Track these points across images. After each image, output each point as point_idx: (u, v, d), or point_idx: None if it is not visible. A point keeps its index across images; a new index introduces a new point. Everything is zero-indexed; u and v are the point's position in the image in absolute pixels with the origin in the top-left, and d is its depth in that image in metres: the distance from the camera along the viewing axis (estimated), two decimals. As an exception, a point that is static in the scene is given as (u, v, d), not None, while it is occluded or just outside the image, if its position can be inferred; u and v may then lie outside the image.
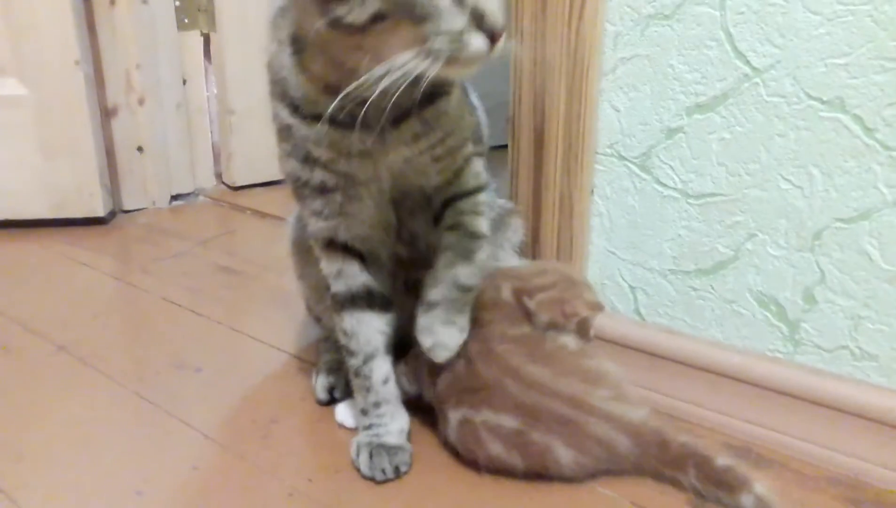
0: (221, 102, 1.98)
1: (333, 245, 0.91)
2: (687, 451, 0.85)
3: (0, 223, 1.73)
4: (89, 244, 1.66)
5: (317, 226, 0.89)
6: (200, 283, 1.47)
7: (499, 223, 1.06)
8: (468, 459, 0.90)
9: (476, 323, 0.93)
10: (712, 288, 0.98)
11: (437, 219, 0.91)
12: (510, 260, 1.06)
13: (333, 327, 0.97)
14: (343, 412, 1.01)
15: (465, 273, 0.89)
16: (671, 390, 1.01)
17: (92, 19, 1.73)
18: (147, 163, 1.86)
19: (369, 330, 0.93)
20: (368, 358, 0.93)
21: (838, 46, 0.82)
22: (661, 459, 0.86)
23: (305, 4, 0.72)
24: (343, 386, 1.03)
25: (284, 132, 0.84)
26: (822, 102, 0.85)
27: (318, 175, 0.83)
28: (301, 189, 0.87)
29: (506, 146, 1.11)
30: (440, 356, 0.89)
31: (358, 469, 0.90)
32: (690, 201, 0.97)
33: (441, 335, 0.89)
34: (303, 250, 1.02)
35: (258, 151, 1.97)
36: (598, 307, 0.97)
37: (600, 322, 0.98)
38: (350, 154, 0.81)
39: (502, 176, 1.13)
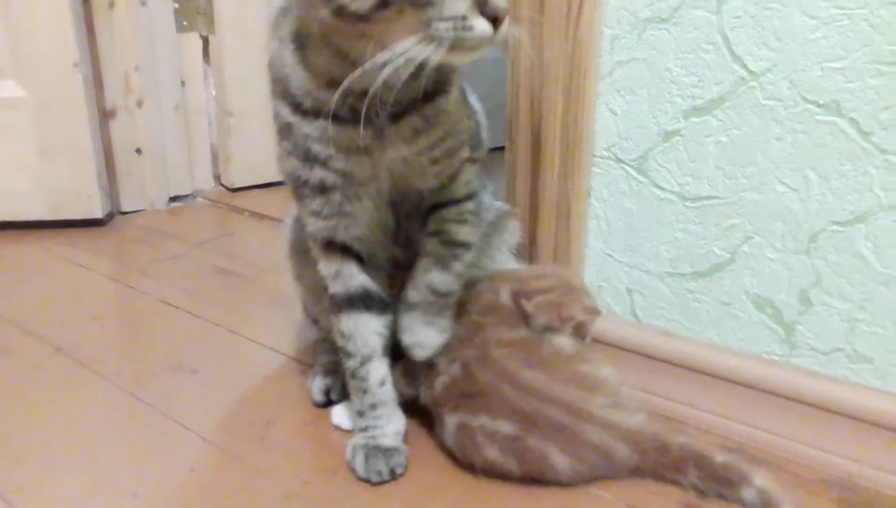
0: (220, 104, 1.98)
1: (332, 246, 0.91)
2: (686, 453, 0.85)
3: (-2, 225, 1.73)
4: (87, 246, 1.66)
5: (316, 226, 0.89)
6: (198, 285, 1.47)
7: (495, 226, 1.06)
8: (465, 463, 0.90)
9: (473, 327, 0.93)
10: (709, 291, 0.99)
11: (423, 224, 0.91)
12: (507, 262, 1.06)
13: (330, 328, 0.97)
14: (339, 414, 1.01)
15: (440, 281, 0.90)
16: (668, 392, 1.02)
17: (91, 21, 1.73)
18: (145, 165, 1.87)
19: (367, 332, 0.93)
20: (365, 360, 0.93)
21: (834, 50, 0.83)
22: (660, 463, 0.86)
23: None
24: (340, 388, 1.03)
25: (285, 131, 0.84)
26: (819, 106, 0.85)
27: (318, 173, 0.84)
28: (300, 189, 0.87)
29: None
30: (419, 354, 0.91)
31: (354, 471, 0.90)
32: (687, 203, 0.97)
33: (420, 334, 0.91)
34: (300, 252, 1.02)
35: (256, 153, 1.98)
36: (594, 312, 0.98)
37: (597, 325, 0.99)
38: (350, 150, 0.81)
39: (501, 178, 1.13)
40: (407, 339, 0.92)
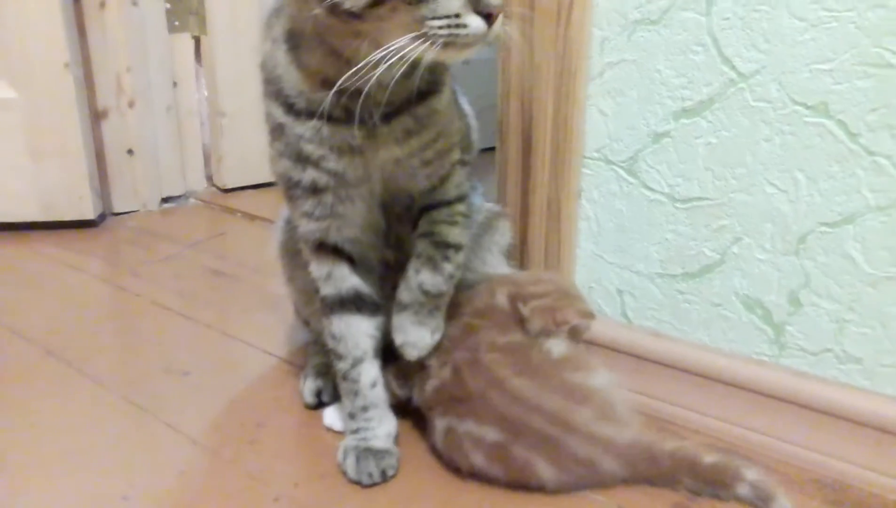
0: (212, 104, 1.98)
1: (324, 247, 0.91)
2: (676, 461, 0.85)
3: (-11, 226, 1.72)
4: (79, 247, 1.66)
5: (307, 228, 0.89)
6: (190, 286, 1.47)
7: (486, 227, 1.06)
8: (452, 467, 0.90)
9: (466, 329, 0.93)
10: (699, 292, 0.99)
11: (414, 225, 0.92)
12: (498, 264, 1.06)
13: (322, 330, 0.97)
14: (331, 416, 1.01)
15: (431, 282, 0.90)
16: (658, 393, 1.02)
17: (82, 22, 1.72)
18: (137, 165, 1.86)
19: (358, 334, 0.93)
20: (357, 362, 0.93)
21: (823, 52, 0.83)
22: (651, 473, 0.86)
23: None
24: (331, 390, 1.03)
25: (277, 131, 0.84)
26: (807, 108, 0.85)
27: (310, 174, 0.84)
28: (292, 189, 0.87)
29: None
30: (410, 354, 0.92)
31: (345, 473, 0.90)
32: (677, 204, 0.98)
33: (411, 334, 0.91)
34: (291, 254, 1.02)
35: (249, 154, 1.97)
36: (589, 316, 0.98)
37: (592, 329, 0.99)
38: (342, 151, 0.81)
39: (492, 179, 1.13)
40: (399, 339, 0.92)
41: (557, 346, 0.92)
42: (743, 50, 0.88)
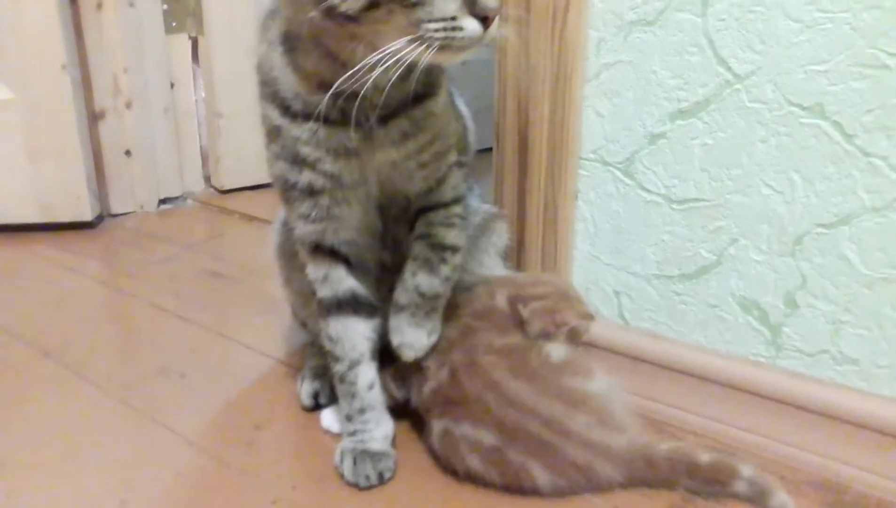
0: (209, 105, 1.98)
1: (320, 250, 0.91)
2: (673, 463, 0.85)
3: (-14, 227, 1.72)
4: (76, 249, 1.66)
5: (304, 230, 0.89)
6: (188, 287, 1.47)
7: (483, 228, 1.06)
8: (449, 469, 0.90)
9: (465, 331, 0.93)
10: (695, 293, 0.99)
11: (410, 227, 0.91)
12: (495, 265, 1.06)
13: (319, 332, 0.97)
14: (328, 418, 1.01)
15: (427, 284, 0.90)
16: (655, 394, 1.02)
17: (79, 23, 1.72)
18: (135, 166, 1.86)
19: (355, 336, 0.93)
20: (354, 364, 0.93)
21: (818, 53, 0.83)
22: (649, 476, 0.86)
23: None
24: (328, 392, 1.03)
25: (273, 134, 0.84)
26: (803, 109, 0.85)
27: (307, 176, 0.84)
28: (289, 192, 0.87)
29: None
30: (407, 355, 0.92)
31: (342, 476, 0.90)
32: (674, 206, 0.98)
33: (408, 335, 0.92)
34: (288, 256, 1.02)
35: (246, 155, 1.97)
36: (588, 317, 0.98)
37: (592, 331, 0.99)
38: (339, 153, 0.81)
39: (489, 180, 1.13)
40: (396, 340, 0.92)
41: (557, 350, 0.92)
42: (738, 51, 0.88)
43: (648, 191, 0.99)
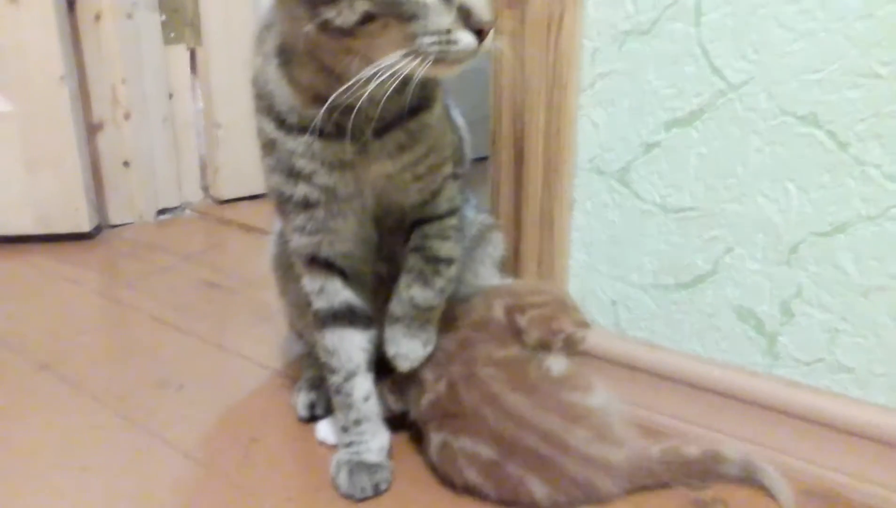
0: (208, 115, 1.98)
1: (316, 262, 0.91)
2: (667, 465, 0.86)
3: (-15, 239, 1.72)
4: (74, 260, 1.66)
5: (300, 242, 0.89)
6: (185, 299, 1.47)
7: (479, 239, 1.06)
8: (447, 482, 0.89)
9: (463, 343, 0.93)
10: (692, 302, 0.99)
11: (406, 238, 0.92)
12: (491, 276, 1.06)
13: (315, 343, 0.97)
14: (324, 430, 1.00)
15: (422, 296, 0.90)
16: (651, 403, 1.02)
17: (77, 34, 1.73)
18: (133, 177, 1.86)
19: (351, 347, 0.93)
20: (350, 376, 0.93)
21: (811, 63, 0.83)
22: (648, 483, 0.86)
23: (294, 10, 0.72)
24: (324, 403, 1.03)
25: (269, 147, 0.84)
26: (797, 118, 0.85)
27: (302, 189, 0.84)
28: (284, 204, 0.87)
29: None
30: (402, 365, 0.92)
31: (338, 487, 0.90)
32: (669, 215, 0.98)
33: (403, 346, 0.92)
34: (284, 267, 1.02)
35: (245, 165, 1.97)
36: (584, 326, 0.98)
37: (588, 340, 0.99)
38: (334, 166, 0.81)
39: (484, 189, 1.13)
40: (391, 350, 0.92)
41: (557, 364, 0.92)
42: (732, 60, 0.88)
43: (644, 200, 0.99)
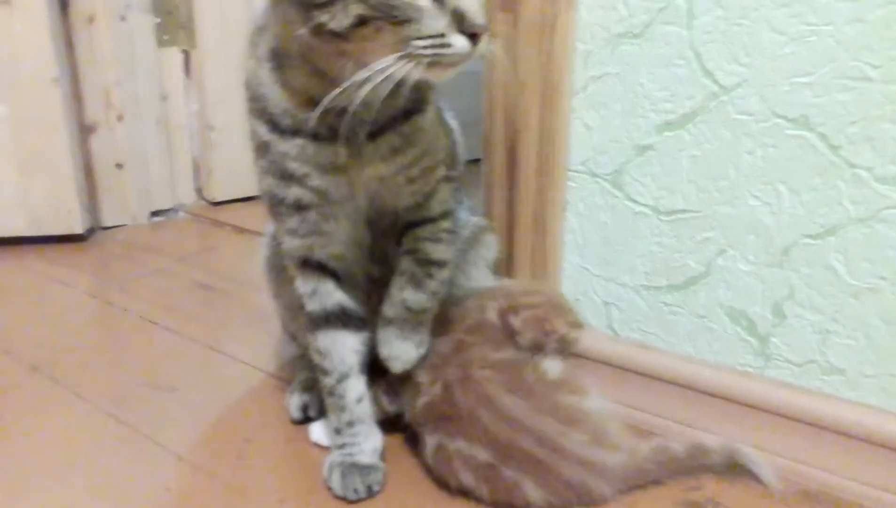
0: (201, 118, 1.98)
1: (308, 264, 0.91)
2: (658, 463, 0.87)
3: (-23, 241, 1.72)
4: (67, 262, 1.65)
5: (292, 244, 0.89)
6: (179, 301, 1.47)
7: (472, 241, 1.06)
8: (442, 484, 0.89)
9: (458, 346, 0.93)
10: (684, 303, 0.99)
11: (399, 241, 0.92)
12: (484, 278, 1.06)
13: (308, 345, 0.97)
14: (318, 432, 1.00)
15: (414, 299, 0.90)
16: (644, 404, 1.02)
17: (70, 36, 1.73)
18: (126, 179, 1.86)
19: (343, 349, 0.93)
20: (342, 377, 0.93)
21: (802, 66, 0.83)
22: (641, 483, 0.87)
23: (288, 14, 0.73)
24: (317, 405, 1.03)
25: (262, 149, 0.84)
26: (788, 120, 0.86)
27: (295, 192, 0.84)
28: (277, 207, 0.87)
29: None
30: (395, 367, 0.92)
31: (331, 489, 0.90)
32: (662, 217, 0.98)
33: (396, 348, 0.92)
34: (277, 269, 1.02)
35: (238, 167, 1.97)
36: (577, 326, 0.98)
37: (582, 341, 1.00)
38: (327, 169, 0.81)
39: (478, 192, 1.14)
40: (384, 352, 0.93)
41: (554, 367, 0.92)
42: (724, 63, 0.89)
43: (636, 202, 1.00)
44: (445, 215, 0.92)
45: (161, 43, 1.90)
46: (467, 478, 0.86)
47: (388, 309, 0.92)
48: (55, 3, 1.66)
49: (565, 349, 0.97)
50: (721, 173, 0.92)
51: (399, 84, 0.69)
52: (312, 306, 0.93)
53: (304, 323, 0.95)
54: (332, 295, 0.92)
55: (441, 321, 0.96)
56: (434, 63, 0.68)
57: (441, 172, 0.90)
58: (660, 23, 0.92)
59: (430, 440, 0.90)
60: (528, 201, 1.07)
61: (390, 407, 0.97)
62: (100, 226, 1.86)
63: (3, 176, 1.68)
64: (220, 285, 1.54)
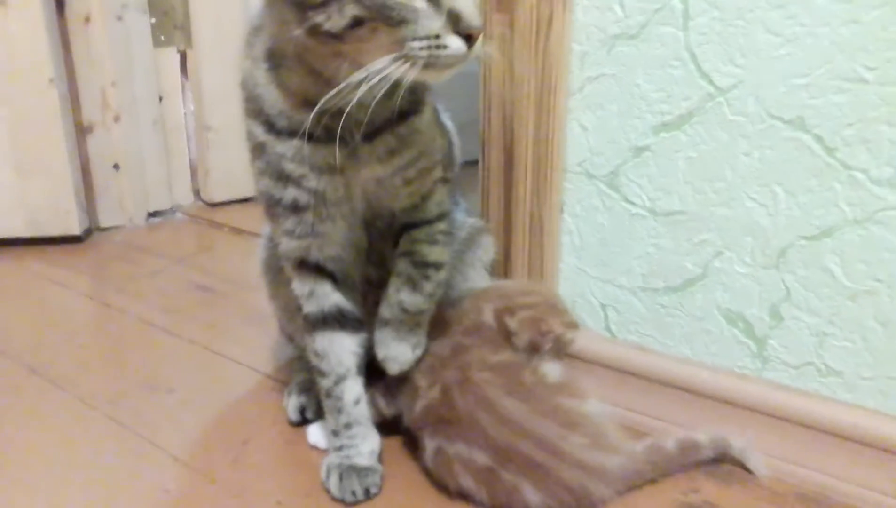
0: (198, 118, 1.98)
1: (305, 266, 0.91)
2: (653, 463, 0.88)
3: (-26, 242, 1.71)
4: (64, 263, 1.65)
5: (289, 246, 0.89)
6: (176, 302, 1.47)
7: (469, 242, 1.06)
8: (442, 486, 0.89)
9: (456, 349, 0.93)
10: (681, 305, 0.99)
11: (395, 243, 0.92)
12: (481, 279, 1.06)
13: (305, 347, 0.97)
14: (315, 434, 1.00)
15: (410, 300, 0.90)
16: (641, 406, 1.02)
17: (66, 37, 1.73)
18: (123, 180, 1.86)
19: (341, 351, 0.93)
20: (340, 379, 0.93)
21: (798, 67, 0.83)
22: (638, 483, 0.88)
23: (284, 14, 0.73)
24: (315, 407, 1.03)
25: (258, 150, 0.84)
26: (784, 122, 0.86)
27: (291, 193, 0.84)
28: (273, 208, 0.87)
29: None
30: (392, 368, 0.92)
31: (328, 491, 0.90)
32: (658, 218, 0.98)
33: (393, 349, 0.92)
34: (274, 271, 1.02)
35: (236, 168, 1.97)
36: (573, 327, 0.98)
37: (578, 342, 1.00)
38: (323, 170, 0.81)
39: (474, 193, 1.14)
40: (381, 353, 0.93)
41: (553, 370, 0.92)
42: (720, 65, 0.89)
43: (633, 204, 1.00)
44: (442, 216, 0.92)
45: (157, 43, 1.89)
46: (467, 482, 0.85)
47: (385, 311, 0.92)
48: (51, 3, 1.66)
49: (561, 349, 0.97)
50: (717, 175, 0.92)
51: (395, 85, 0.69)
52: (310, 307, 0.93)
53: (302, 325, 0.95)
54: (330, 297, 0.92)
55: (438, 323, 0.96)
56: (430, 64, 0.69)
57: (438, 173, 0.90)
58: (656, 24, 0.92)
59: (429, 444, 0.89)
60: (525, 202, 1.07)
61: (388, 410, 0.97)
62: (97, 227, 1.85)
63: (0, 177, 1.68)
64: (218, 287, 1.54)
